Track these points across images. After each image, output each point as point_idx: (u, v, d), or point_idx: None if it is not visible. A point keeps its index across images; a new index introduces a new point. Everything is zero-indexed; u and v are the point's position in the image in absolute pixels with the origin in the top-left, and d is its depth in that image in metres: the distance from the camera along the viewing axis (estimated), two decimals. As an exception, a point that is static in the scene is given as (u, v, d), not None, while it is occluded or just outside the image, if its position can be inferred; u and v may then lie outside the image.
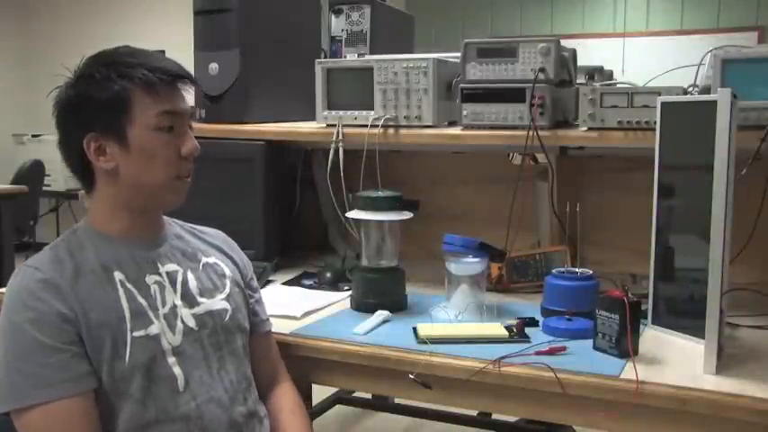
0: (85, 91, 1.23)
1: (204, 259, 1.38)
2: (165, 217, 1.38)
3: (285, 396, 1.46)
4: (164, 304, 1.27)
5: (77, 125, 1.24)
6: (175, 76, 1.26)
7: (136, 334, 1.21)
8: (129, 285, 1.24)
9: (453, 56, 1.90)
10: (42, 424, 1.14)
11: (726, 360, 1.35)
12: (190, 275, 1.33)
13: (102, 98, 1.22)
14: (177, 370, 1.23)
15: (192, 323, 1.28)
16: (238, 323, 1.35)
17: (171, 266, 1.31)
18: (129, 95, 1.22)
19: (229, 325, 1.34)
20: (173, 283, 1.30)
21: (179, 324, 1.27)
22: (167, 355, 1.23)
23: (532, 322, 1.56)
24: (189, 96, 1.33)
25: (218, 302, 1.34)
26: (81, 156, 1.25)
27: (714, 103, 1.31)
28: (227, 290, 1.37)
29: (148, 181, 1.25)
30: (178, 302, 1.29)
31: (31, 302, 1.16)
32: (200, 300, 1.32)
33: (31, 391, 1.13)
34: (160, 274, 1.29)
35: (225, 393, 1.28)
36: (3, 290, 1.37)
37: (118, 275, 1.24)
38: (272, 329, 1.55)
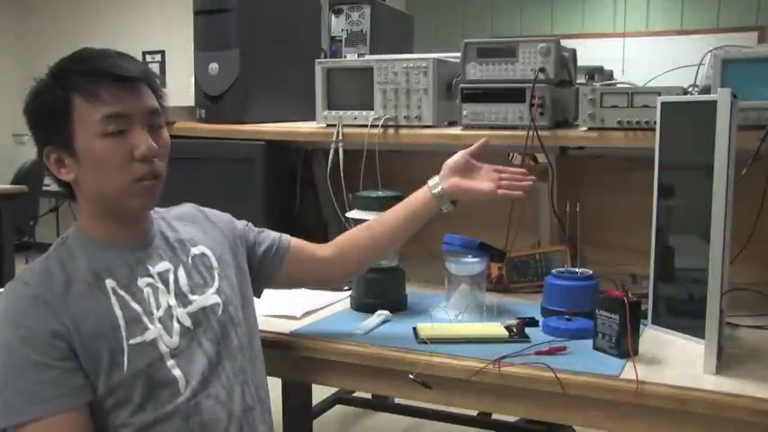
0: (34, 105, 1.22)
1: (193, 250, 1.36)
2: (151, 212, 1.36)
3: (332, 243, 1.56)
4: (158, 307, 1.25)
5: (37, 139, 1.24)
6: (115, 77, 1.19)
7: (132, 341, 1.20)
8: (121, 292, 1.23)
9: (453, 56, 1.90)
10: None
11: (726, 360, 1.35)
12: (180, 272, 1.32)
13: (46, 111, 1.21)
14: (177, 372, 1.23)
15: (188, 322, 1.27)
16: (231, 316, 1.34)
17: (162, 265, 1.30)
18: (69, 105, 1.19)
19: (223, 319, 1.33)
20: (165, 283, 1.28)
21: (175, 325, 1.26)
22: (166, 359, 1.22)
23: (532, 322, 1.56)
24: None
25: (210, 297, 1.33)
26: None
27: (714, 103, 1.31)
28: (216, 283, 1.35)
29: (105, 189, 1.22)
30: (172, 303, 1.27)
31: (22, 320, 1.15)
32: (192, 297, 1.30)
33: (25, 408, 1.12)
34: (152, 276, 1.27)
35: (223, 389, 1.28)
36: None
37: (110, 283, 1.22)
38: (272, 329, 1.55)
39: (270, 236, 1.53)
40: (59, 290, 1.18)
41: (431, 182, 1.54)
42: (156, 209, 1.38)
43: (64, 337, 1.15)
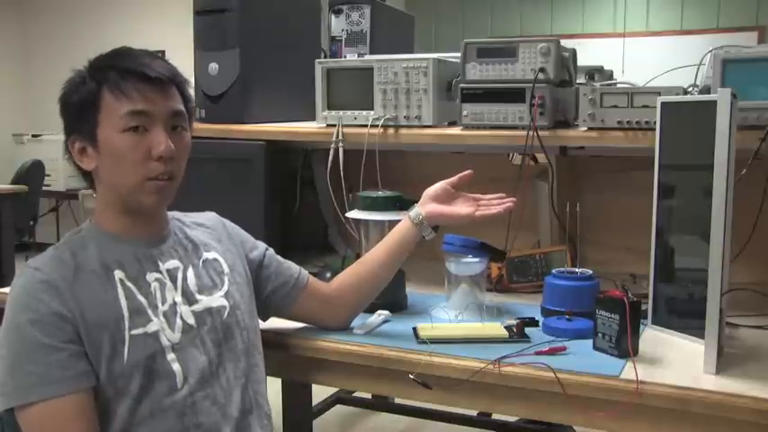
0: (66, 94, 1.27)
1: (205, 255, 1.39)
2: (169, 213, 1.39)
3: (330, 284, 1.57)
4: (163, 302, 1.28)
5: (65, 127, 1.28)
6: (144, 76, 1.24)
7: (134, 332, 1.22)
8: (128, 284, 1.25)
9: (453, 56, 1.90)
10: (42, 420, 1.16)
11: (726, 360, 1.35)
12: (190, 272, 1.34)
13: (76, 101, 1.25)
14: (176, 366, 1.25)
15: (191, 320, 1.29)
16: (237, 320, 1.36)
17: (172, 263, 1.32)
18: (97, 97, 1.24)
19: (228, 322, 1.34)
20: (173, 280, 1.31)
21: (178, 321, 1.28)
22: (167, 352, 1.24)
23: (532, 322, 1.55)
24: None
25: (217, 299, 1.35)
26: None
27: (714, 103, 1.31)
28: (226, 287, 1.37)
29: (120, 183, 1.26)
30: (178, 299, 1.30)
31: (31, 303, 1.18)
32: (199, 297, 1.33)
33: (32, 389, 1.16)
34: (161, 272, 1.30)
35: (221, 390, 1.29)
36: (5, 290, 1.39)
37: (118, 274, 1.25)
38: (273, 328, 1.56)
39: (290, 270, 1.53)
40: (69, 276, 1.21)
41: (411, 212, 1.57)
42: (176, 212, 1.41)
43: (70, 321, 1.18)
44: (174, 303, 1.29)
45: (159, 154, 1.24)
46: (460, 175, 1.59)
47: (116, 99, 1.23)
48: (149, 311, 1.25)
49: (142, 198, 1.27)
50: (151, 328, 1.24)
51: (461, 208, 1.57)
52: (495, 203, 1.56)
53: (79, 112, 1.25)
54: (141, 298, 1.25)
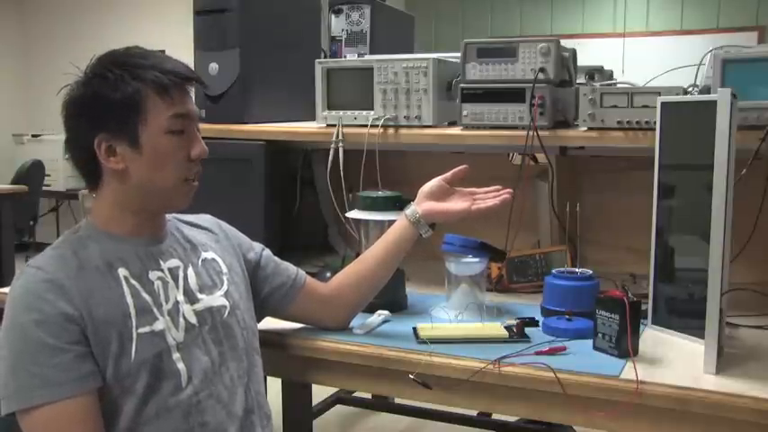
0: (98, 91, 1.23)
1: (203, 254, 1.39)
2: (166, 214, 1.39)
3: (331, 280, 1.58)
4: (167, 300, 1.27)
5: (88, 124, 1.24)
6: (186, 78, 1.28)
7: (141, 330, 1.22)
8: (133, 281, 1.25)
9: (453, 56, 1.90)
10: (46, 423, 1.14)
11: (726, 360, 1.35)
12: (190, 271, 1.34)
13: (114, 99, 1.22)
14: (181, 365, 1.24)
15: (193, 319, 1.29)
16: (237, 320, 1.36)
17: (173, 262, 1.32)
18: (141, 97, 1.23)
19: (229, 321, 1.34)
20: (175, 278, 1.31)
21: (181, 320, 1.28)
22: (172, 351, 1.24)
23: (532, 322, 1.55)
24: (194, 94, 1.33)
25: (218, 299, 1.35)
26: (90, 155, 1.25)
27: (714, 103, 1.31)
28: (225, 287, 1.37)
29: (157, 183, 1.26)
30: (180, 298, 1.29)
31: (35, 303, 1.16)
32: (200, 296, 1.33)
33: (36, 391, 1.14)
34: (162, 270, 1.30)
35: (224, 389, 1.29)
36: (5, 290, 1.38)
37: (122, 272, 1.24)
38: (272, 328, 1.56)
39: (287, 271, 1.53)
40: (73, 274, 1.20)
41: (407, 210, 1.56)
42: (173, 214, 1.41)
43: (77, 321, 1.17)
44: (177, 302, 1.29)
45: (198, 155, 1.28)
46: (455, 170, 1.59)
47: (162, 100, 1.24)
48: (155, 310, 1.25)
49: (176, 199, 1.30)
50: (158, 326, 1.24)
51: (457, 203, 1.56)
52: (491, 196, 1.56)
53: (118, 110, 1.22)
54: (146, 296, 1.25)
